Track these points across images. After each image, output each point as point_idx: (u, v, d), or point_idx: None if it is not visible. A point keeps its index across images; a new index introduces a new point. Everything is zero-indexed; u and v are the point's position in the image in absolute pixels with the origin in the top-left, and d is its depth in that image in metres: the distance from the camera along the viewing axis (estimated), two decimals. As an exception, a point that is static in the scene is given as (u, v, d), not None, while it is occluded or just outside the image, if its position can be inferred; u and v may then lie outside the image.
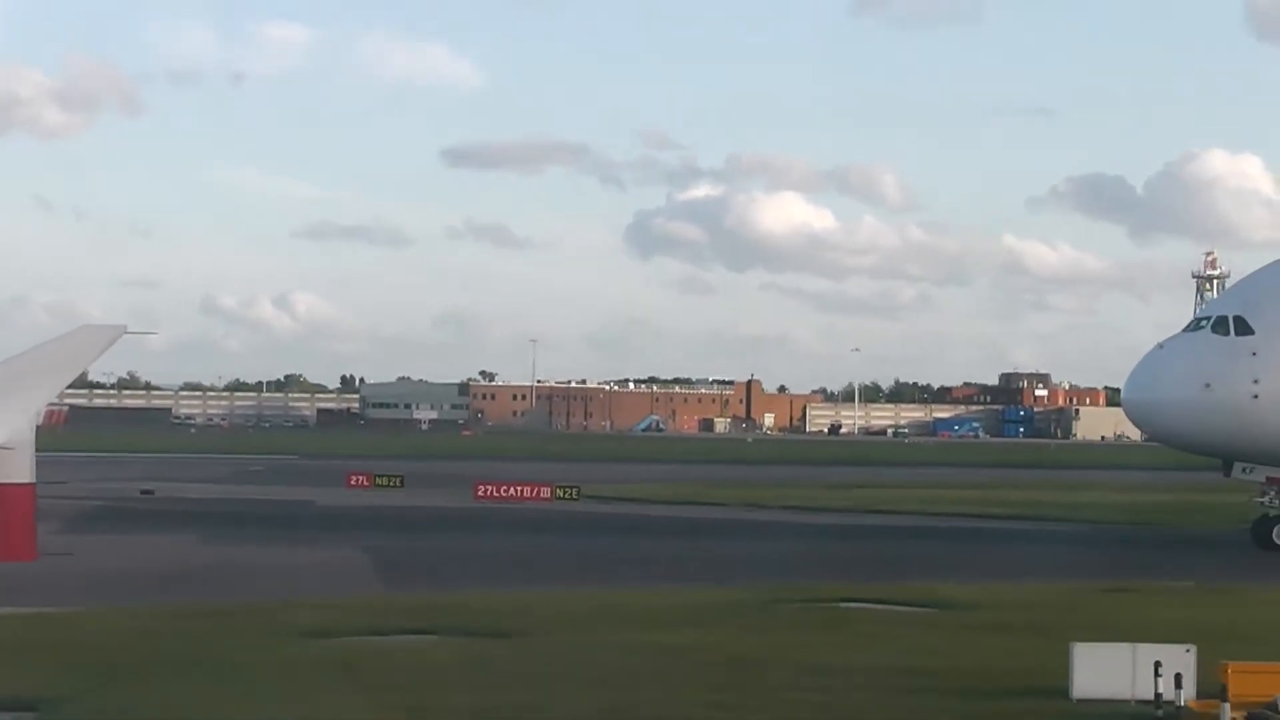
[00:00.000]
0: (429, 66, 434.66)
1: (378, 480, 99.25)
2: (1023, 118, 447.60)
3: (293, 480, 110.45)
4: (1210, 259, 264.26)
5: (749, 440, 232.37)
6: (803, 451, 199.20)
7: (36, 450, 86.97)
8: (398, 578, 50.46)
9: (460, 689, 30.16)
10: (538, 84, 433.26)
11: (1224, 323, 56.62)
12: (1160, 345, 57.63)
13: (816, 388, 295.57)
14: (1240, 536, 57.51)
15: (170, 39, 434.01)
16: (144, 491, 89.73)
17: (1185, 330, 57.80)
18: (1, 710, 27.11)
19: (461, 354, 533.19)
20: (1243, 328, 55.58)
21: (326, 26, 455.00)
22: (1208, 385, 55.31)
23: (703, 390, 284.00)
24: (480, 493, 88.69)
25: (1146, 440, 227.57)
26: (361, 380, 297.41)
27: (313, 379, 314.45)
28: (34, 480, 10.72)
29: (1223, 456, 57.72)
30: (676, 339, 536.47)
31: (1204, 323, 58.21)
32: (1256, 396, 54.52)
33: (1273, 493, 55.18)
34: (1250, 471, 55.81)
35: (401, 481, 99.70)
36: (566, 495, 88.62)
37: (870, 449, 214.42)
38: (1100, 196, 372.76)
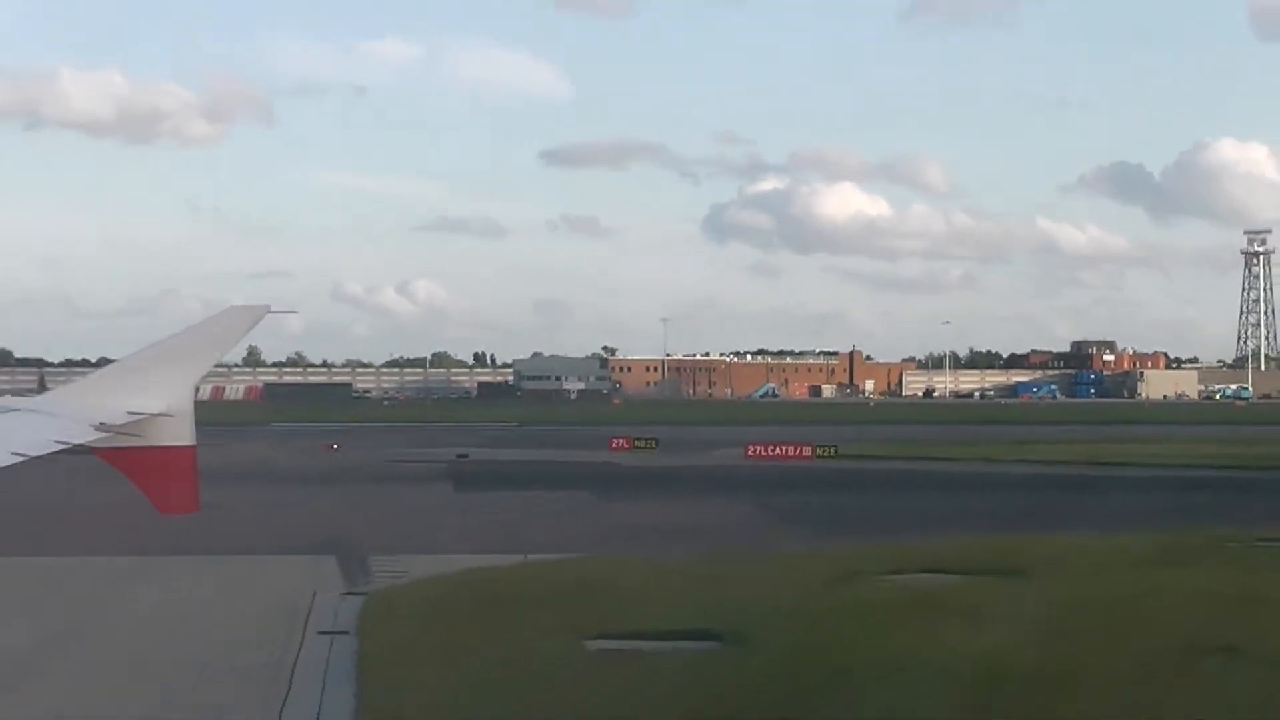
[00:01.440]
0: (523, 78, 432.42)
1: (636, 443, 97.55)
2: (1053, 110, 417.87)
3: (556, 445, 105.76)
4: (1260, 236, 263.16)
5: (871, 404, 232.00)
6: (925, 413, 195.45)
7: (295, 423, 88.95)
8: (819, 530, 49.20)
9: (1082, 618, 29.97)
10: (619, 90, 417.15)
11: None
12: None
13: (906, 356, 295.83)
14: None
15: (298, 56, 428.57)
16: (460, 455, 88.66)
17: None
18: (687, 639, 27.58)
19: (571, 331, 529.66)
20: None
21: (433, 42, 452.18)
22: None
23: (810, 360, 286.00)
24: (750, 452, 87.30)
25: (1204, 398, 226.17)
26: (492, 357, 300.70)
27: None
28: (194, 443, 10.55)
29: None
30: (752, 316, 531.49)
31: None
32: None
33: None
34: None
35: (656, 444, 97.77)
36: (826, 454, 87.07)
37: (978, 410, 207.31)
38: (1123, 183, 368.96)
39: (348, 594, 33.99)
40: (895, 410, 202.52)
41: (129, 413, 12.07)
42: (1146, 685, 23.58)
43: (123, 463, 12.25)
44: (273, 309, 17.42)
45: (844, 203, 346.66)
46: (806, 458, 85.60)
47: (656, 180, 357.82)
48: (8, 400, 14.51)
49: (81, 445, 11.33)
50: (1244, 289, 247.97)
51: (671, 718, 22.41)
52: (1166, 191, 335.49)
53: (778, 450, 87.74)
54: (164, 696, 24.65)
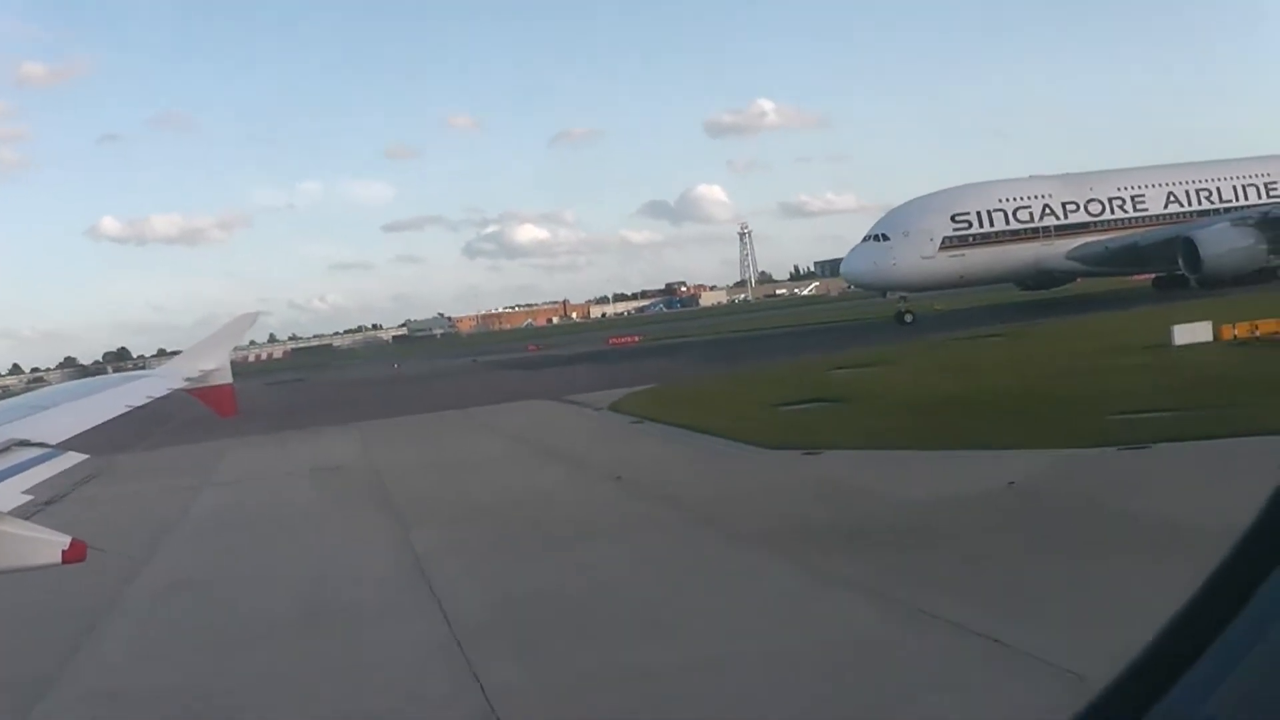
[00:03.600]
0: (372, 190, 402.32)
1: (541, 348, 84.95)
2: (623, 180, 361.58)
3: (502, 352, 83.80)
4: (744, 224, 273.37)
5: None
6: (622, 320, 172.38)
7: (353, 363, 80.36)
8: (731, 363, 44.13)
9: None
10: (423, 192, 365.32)
11: (876, 237, 58.16)
12: (854, 248, 60.32)
13: (587, 299, 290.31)
14: (889, 321, 55.82)
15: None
16: (473, 359, 74.01)
17: (863, 240, 59.88)
18: (818, 401, 25.85)
19: (423, 306, 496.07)
20: (883, 239, 57.67)
21: (330, 179, 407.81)
22: (875, 262, 57.21)
23: (540, 307, 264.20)
24: (611, 341, 77.22)
25: (809, 295, 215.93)
26: (378, 325, 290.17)
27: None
28: (231, 382, 11.54)
29: (882, 290, 60.22)
30: (493, 290, 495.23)
31: (870, 237, 58.53)
32: (894, 264, 56.55)
33: (900, 300, 57.62)
34: (892, 294, 58.82)
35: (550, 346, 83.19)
36: (645, 339, 77.38)
37: (643, 318, 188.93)
38: (659, 209, 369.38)
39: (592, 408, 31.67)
40: (606, 323, 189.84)
41: (200, 371, 12.38)
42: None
43: (199, 395, 12.41)
44: (260, 313, 18.92)
45: (529, 233, 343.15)
46: (638, 341, 76.14)
47: (440, 233, 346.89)
48: (144, 372, 15.39)
49: (180, 388, 11.80)
50: (741, 249, 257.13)
51: (851, 426, 21.39)
52: (678, 210, 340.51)
53: (622, 341, 78.04)
54: (575, 441, 25.09)
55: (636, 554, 13.70)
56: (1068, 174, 63.97)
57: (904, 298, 58.17)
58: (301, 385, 68.88)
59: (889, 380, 28.92)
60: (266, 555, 16.57)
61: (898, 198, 63.16)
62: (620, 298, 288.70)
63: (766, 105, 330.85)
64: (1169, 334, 26.46)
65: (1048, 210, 60.29)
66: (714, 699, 8.28)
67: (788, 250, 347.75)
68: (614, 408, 30.37)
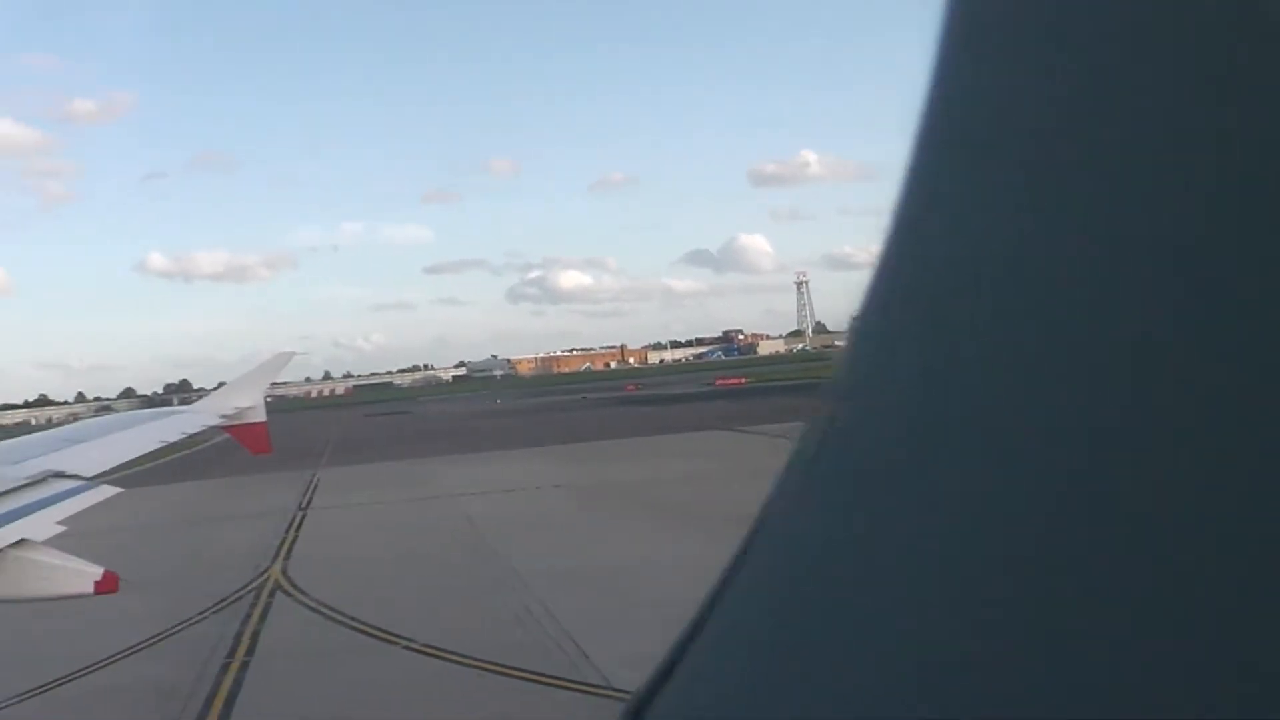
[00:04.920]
0: (410, 233, 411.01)
1: (638, 387, 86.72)
2: (667, 236, 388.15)
3: (583, 391, 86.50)
4: (802, 274, 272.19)
5: (659, 365, 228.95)
6: (691, 366, 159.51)
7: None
8: None
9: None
10: (459, 237, 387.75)
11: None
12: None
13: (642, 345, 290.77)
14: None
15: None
16: (583, 396, 75.05)
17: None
18: None
19: (473, 349, 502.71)
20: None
21: (370, 221, 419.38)
22: None
23: (596, 352, 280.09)
24: (718, 383, 74.40)
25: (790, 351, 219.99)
26: (428, 365, 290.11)
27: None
28: (265, 419, 11.18)
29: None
30: (541, 335, 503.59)
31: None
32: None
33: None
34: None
35: (639, 386, 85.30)
36: (753, 380, 74.45)
37: (708, 363, 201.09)
38: (701, 258, 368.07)
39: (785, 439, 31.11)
40: (668, 368, 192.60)
41: (235, 408, 12.58)
42: None
43: (233, 431, 12.58)
44: (297, 353, 18.61)
45: (573, 279, 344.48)
46: (746, 383, 72.17)
47: (482, 276, 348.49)
48: (182, 407, 15.69)
49: (215, 424, 12.09)
50: (798, 298, 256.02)
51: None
52: (721, 259, 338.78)
53: (730, 382, 74.09)
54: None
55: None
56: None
57: None
58: (411, 418, 67.15)
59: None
60: (634, 548, 15.34)
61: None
62: (676, 344, 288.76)
63: (810, 156, 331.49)
64: None
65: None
66: None
67: (833, 301, 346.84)
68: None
